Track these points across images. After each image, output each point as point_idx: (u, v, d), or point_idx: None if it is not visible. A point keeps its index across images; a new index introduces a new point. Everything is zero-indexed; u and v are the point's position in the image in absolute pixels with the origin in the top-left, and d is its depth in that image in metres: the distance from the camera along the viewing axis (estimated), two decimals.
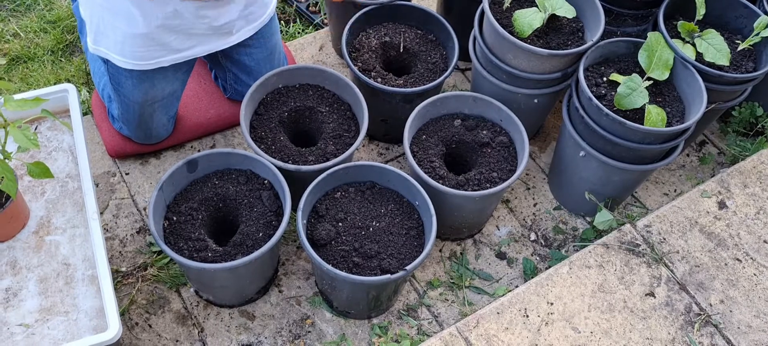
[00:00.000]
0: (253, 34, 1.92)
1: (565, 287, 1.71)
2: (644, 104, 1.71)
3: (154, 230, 1.57)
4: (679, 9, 1.94)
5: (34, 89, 1.89)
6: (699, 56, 1.80)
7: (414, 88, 1.92)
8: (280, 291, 1.84)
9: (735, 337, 1.66)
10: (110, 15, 1.68)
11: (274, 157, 1.76)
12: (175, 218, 1.66)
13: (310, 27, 2.58)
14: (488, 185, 1.77)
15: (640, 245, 1.79)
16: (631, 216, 2.02)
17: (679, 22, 1.86)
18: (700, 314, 1.69)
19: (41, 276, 1.55)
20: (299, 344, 1.75)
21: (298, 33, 2.57)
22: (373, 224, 1.69)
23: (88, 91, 2.27)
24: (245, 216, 1.68)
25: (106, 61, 1.80)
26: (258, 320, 1.79)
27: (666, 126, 1.71)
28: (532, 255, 1.96)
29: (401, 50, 2.07)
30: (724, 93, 1.87)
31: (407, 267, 1.59)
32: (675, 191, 2.13)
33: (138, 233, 1.92)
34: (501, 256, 1.95)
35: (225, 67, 2.03)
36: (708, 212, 1.87)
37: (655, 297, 1.71)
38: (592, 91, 1.76)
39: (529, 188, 2.11)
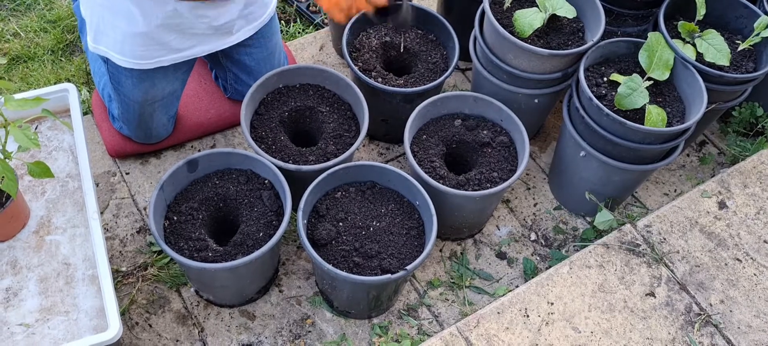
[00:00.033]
0: (254, 34, 1.92)
1: (566, 286, 1.71)
2: (644, 104, 1.71)
3: (154, 229, 1.57)
4: (679, 9, 1.94)
5: (35, 89, 1.89)
6: (699, 56, 1.80)
7: (414, 88, 1.92)
8: (280, 291, 1.84)
9: (735, 337, 1.66)
10: (110, 14, 1.68)
11: (275, 157, 1.76)
12: (175, 218, 1.66)
13: (311, 27, 2.58)
14: (489, 185, 1.77)
15: (641, 245, 1.79)
16: (632, 216, 2.03)
17: (680, 23, 1.86)
18: (700, 314, 1.69)
19: (41, 276, 1.55)
20: (299, 344, 1.75)
21: (299, 33, 2.57)
22: (374, 223, 1.69)
23: (88, 91, 2.27)
24: (246, 216, 1.68)
25: (106, 61, 1.80)
26: (258, 320, 1.79)
27: (666, 126, 1.71)
28: (532, 255, 1.97)
29: (402, 50, 2.07)
30: (725, 93, 1.87)
31: (408, 267, 1.59)
32: (675, 191, 2.13)
33: (138, 232, 1.92)
34: (501, 256, 1.95)
35: (225, 66, 2.03)
36: (708, 212, 1.87)
37: (655, 297, 1.71)
38: (592, 91, 1.76)
39: (529, 188, 2.11)
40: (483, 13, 1.92)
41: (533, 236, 2.01)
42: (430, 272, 1.90)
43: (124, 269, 1.84)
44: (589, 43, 1.82)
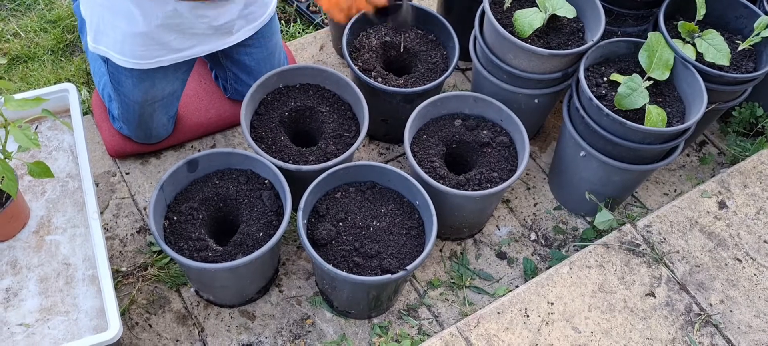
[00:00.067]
0: (254, 34, 1.92)
1: (566, 286, 1.71)
2: (644, 104, 1.71)
3: (154, 229, 1.57)
4: (679, 9, 1.94)
5: (35, 89, 1.89)
6: (699, 56, 1.80)
7: (414, 88, 1.92)
8: (280, 291, 1.84)
9: (735, 337, 1.66)
10: (110, 14, 1.68)
11: (275, 157, 1.76)
12: (175, 218, 1.66)
13: (311, 27, 2.58)
14: (489, 185, 1.77)
15: (641, 245, 1.79)
16: (632, 216, 2.03)
17: (680, 23, 1.86)
18: (700, 314, 1.69)
19: (41, 276, 1.55)
20: (299, 344, 1.75)
21: (299, 33, 2.57)
22: (374, 223, 1.69)
23: (88, 91, 2.27)
24: (246, 216, 1.68)
25: (106, 61, 1.80)
26: (258, 320, 1.79)
27: (666, 126, 1.71)
28: (532, 255, 1.97)
29: (402, 50, 2.07)
30: (725, 93, 1.87)
31: (408, 267, 1.59)
32: (675, 191, 2.13)
33: (138, 232, 1.92)
34: (501, 256, 1.95)
35: (225, 66, 2.03)
36: (708, 212, 1.87)
37: (655, 297, 1.71)
38: (592, 91, 1.76)
39: (529, 188, 2.11)
40: (483, 13, 1.92)
41: (533, 236, 2.01)
42: (430, 272, 1.90)
43: (124, 269, 1.84)
44: (589, 43, 1.82)
